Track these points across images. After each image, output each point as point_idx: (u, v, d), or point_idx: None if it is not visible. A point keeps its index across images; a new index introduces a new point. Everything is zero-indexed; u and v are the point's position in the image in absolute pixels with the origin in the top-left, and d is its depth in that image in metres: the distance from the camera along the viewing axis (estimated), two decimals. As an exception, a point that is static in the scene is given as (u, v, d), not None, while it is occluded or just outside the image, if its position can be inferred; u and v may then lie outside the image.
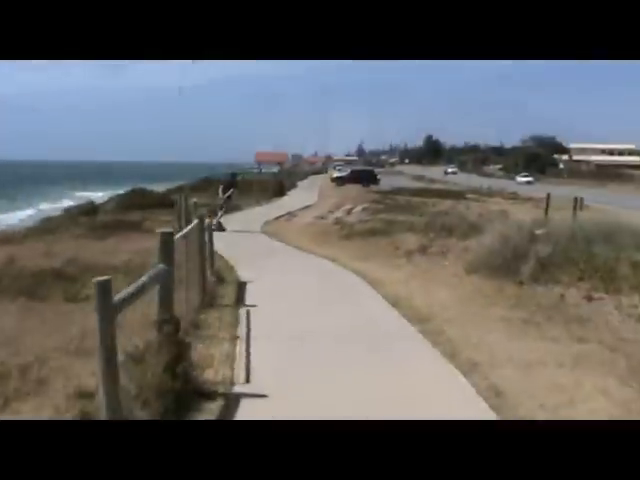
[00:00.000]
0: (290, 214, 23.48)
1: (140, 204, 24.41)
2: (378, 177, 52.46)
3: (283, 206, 26.92)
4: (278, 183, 38.65)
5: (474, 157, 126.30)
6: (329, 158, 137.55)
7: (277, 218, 22.10)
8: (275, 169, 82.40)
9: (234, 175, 21.07)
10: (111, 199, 29.55)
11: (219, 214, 18.80)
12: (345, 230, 17.44)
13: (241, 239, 16.20)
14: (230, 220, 19.40)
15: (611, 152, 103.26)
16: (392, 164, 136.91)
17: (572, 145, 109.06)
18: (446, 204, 27.61)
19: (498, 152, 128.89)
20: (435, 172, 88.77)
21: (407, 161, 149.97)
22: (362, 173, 54.36)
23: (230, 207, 20.22)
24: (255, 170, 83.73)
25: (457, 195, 36.99)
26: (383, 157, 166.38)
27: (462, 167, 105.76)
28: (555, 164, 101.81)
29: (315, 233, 17.81)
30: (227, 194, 19.36)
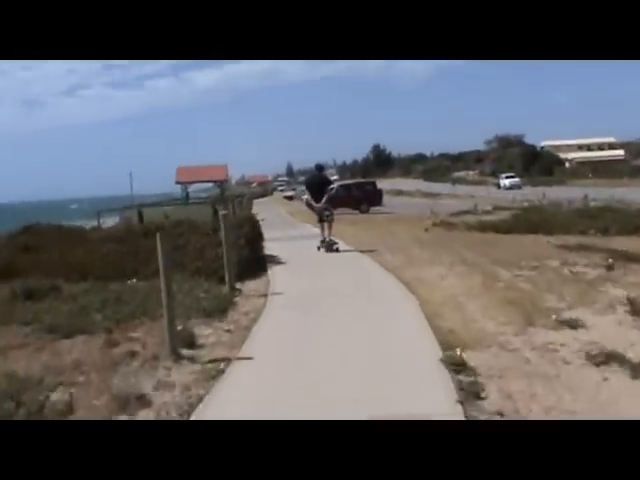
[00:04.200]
0: None
1: None
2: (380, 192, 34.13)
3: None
4: (246, 224, 12.33)
5: (436, 165, 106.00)
6: (264, 179, 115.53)
7: None
8: (204, 194, 59.04)
9: (320, 167, 14.90)
10: None
11: (325, 229, 13.56)
12: None
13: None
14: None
15: (589, 147, 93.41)
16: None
17: (544, 143, 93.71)
18: None
19: (454, 158, 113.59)
20: (407, 184, 66.40)
21: (348, 176, 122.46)
22: (356, 189, 34.38)
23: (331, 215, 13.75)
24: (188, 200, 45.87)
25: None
26: None
27: (427, 177, 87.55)
28: (561, 163, 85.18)
29: None
30: (326, 196, 13.79)
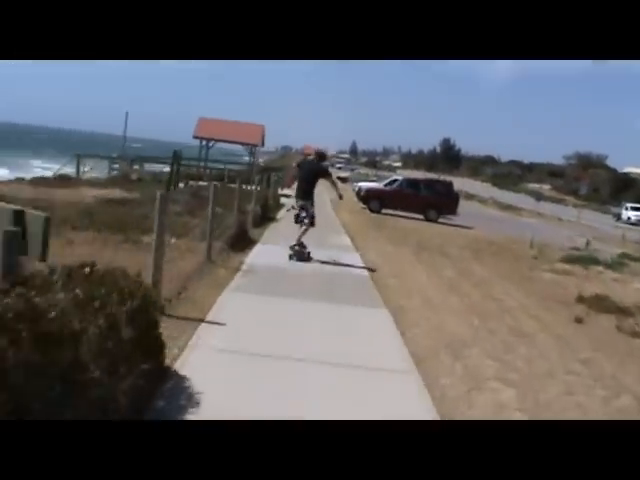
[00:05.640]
0: None
1: None
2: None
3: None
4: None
5: (507, 171, 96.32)
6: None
7: None
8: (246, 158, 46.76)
9: (322, 155, 11.47)
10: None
11: (300, 231, 10.67)
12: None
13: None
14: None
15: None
16: (394, 168, 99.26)
17: (627, 169, 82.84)
18: None
19: (524, 167, 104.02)
20: (477, 187, 54.41)
21: (412, 166, 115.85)
22: (425, 189, 25.68)
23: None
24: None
25: None
26: (377, 158, 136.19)
27: (497, 183, 79.68)
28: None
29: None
30: (309, 200, 10.74)
